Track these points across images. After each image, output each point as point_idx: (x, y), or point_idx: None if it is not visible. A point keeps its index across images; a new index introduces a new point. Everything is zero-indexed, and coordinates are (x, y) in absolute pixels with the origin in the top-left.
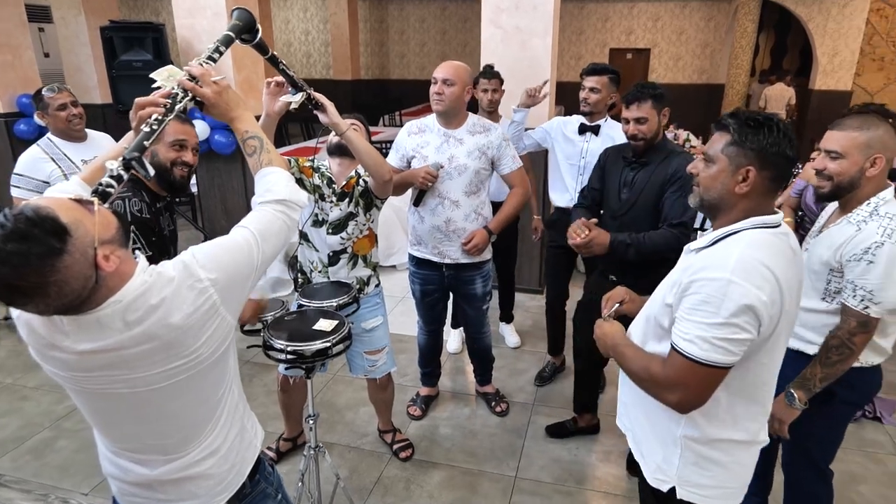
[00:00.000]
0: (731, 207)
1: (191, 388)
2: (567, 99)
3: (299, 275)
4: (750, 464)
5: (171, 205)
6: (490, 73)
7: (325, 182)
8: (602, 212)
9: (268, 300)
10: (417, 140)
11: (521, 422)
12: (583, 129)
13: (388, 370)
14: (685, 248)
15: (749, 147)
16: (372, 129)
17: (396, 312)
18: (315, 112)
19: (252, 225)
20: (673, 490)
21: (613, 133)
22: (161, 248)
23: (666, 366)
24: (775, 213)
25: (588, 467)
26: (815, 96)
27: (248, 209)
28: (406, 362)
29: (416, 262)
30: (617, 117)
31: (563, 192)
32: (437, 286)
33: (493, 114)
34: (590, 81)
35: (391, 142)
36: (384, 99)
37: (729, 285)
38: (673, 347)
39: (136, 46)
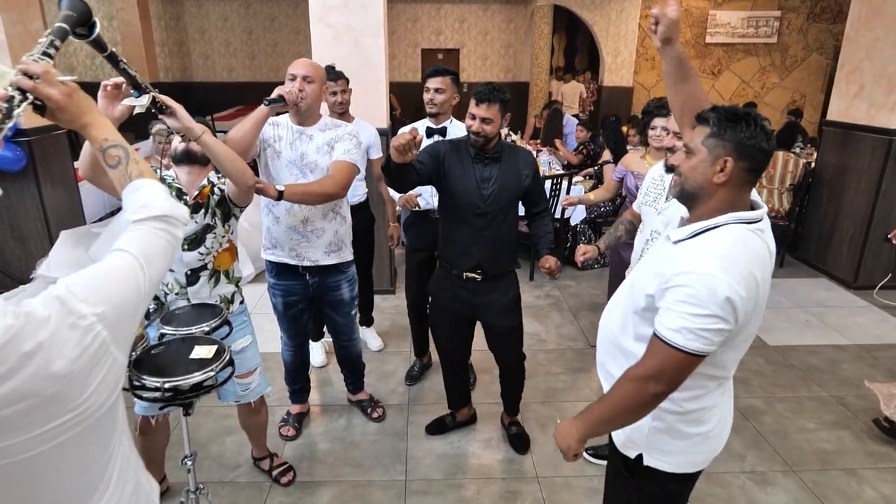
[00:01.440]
0: (708, 196)
1: (79, 447)
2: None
3: (150, 301)
4: (721, 427)
5: None
6: (335, 73)
7: (173, 193)
8: (443, 216)
9: (142, 330)
10: (272, 131)
11: (399, 424)
12: (430, 132)
13: (262, 391)
14: (662, 237)
15: (727, 139)
16: None
17: None
18: (161, 117)
19: (132, 247)
20: (640, 457)
21: (460, 133)
22: None
23: (648, 357)
24: (753, 207)
25: (472, 457)
26: (604, 91)
27: (49, 235)
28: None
29: (276, 272)
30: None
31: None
32: (300, 296)
33: (344, 115)
34: (434, 83)
35: None
36: (189, 102)
37: (713, 279)
38: (657, 337)
39: None
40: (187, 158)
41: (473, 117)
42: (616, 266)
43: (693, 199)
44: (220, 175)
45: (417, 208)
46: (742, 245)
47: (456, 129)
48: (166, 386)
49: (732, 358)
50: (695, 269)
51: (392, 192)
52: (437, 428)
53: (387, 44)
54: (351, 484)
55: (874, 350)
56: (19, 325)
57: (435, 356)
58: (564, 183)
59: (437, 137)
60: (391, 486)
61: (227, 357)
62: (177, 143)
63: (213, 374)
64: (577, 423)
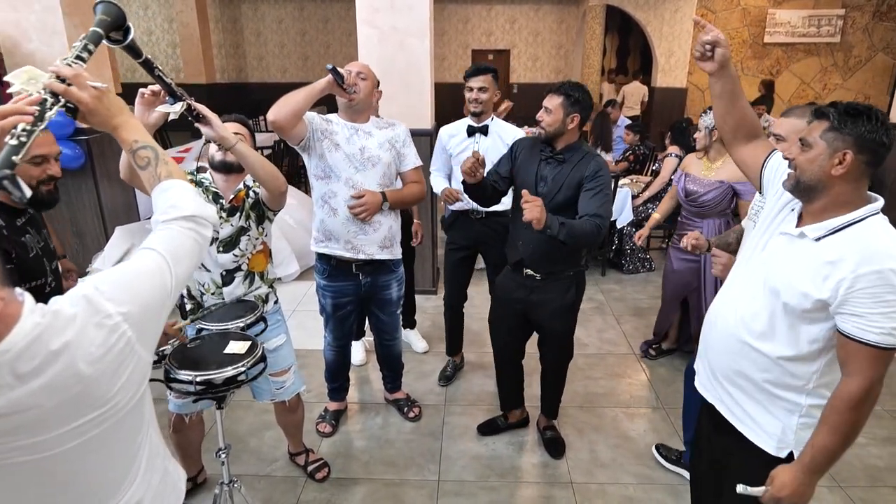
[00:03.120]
0: (826, 189)
1: (106, 442)
2: (437, 99)
3: (187, 300)
4: None
5: (34, 219)
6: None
7: (210, 197)
8: (511, 203)
9: (178, 327)
10: (326, 126)
11: (435, 424)
12: (472, 131)
13: (297, 390)
14: (793, 235)
15: (847, 133)
16: None
17: (290, 326)
18: (196, 125)
19: (160, 246)
20: (791, 454)
21: (502, 132)
22: (29, 271)
23: (863, 369)
24: (873, 198)
25: (507, 459)
26: (656, 93)
27: (105, 231)
28: (307, 378)
29: (328, 273)
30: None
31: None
32: (351, 298)
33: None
34: (477, 82)
35: (263, 148)
36: (244, 102)
37: None
38: (867, 344)
39: None
40: (224, 168)
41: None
42: (679, 278)
43: (810, 191)
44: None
45: (459, 204)
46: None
47: (498, 127)
48: (198, 379)
49: None
50: (883, 266)
51: (435, 185)
52: (489, 429)
53: (432, 45)
54: (384, 482)
55: None
56: (46, 323)
57: (468, 356)
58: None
59: (478, 136)
60: (424, 485)
61: (260, 352)
62: (213, 152)
63: (244, 369)
64: (805, 473)
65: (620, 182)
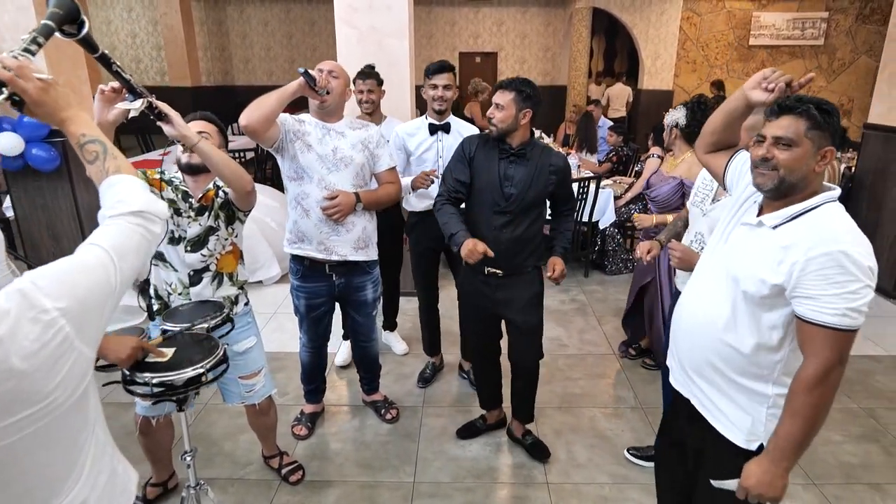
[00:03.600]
0: (806, 185)
1: (46, 439)
2: (424, 103)
3: (154, 300)
4: None
5: None
6: (364, 73)
7: (179, 195)
8: (466, 205)
9: (153, 343)
10: (298, 126)
11: (412, 426)
12: (433, 129)
13: (267, 393)
14: (752, 225)
15: (827, 130)
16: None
17: (268, 329)
18: (158, 123)
19: (104, 241)
20: (761, 446)
21: (462, 129)
22: None
23: (821, 351)
24: (830, 187)
25: (483, 461)
26: (643, 95)
27: (82, 233)
28: (285, 381)
29: (301, 274)
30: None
31: (420, 198)
32: (325, 298)
33: (373, 115)
34: (442, 79)
35: (245, 150)
36: (230, 105)
37: (854, 254)
38: (823, 326)
39: None
40: (189, 170)
41: (497, 106)
42: (639, 272)
43: (791, 190)
44: None
45: (422, 205)
46: (850, 219)
47: (458, 125)
48: (155, 381)
49: None
50: (833, 249)
51: (403, 184)
52: (468, 432)
53: (412, 45)
54: (359, 484)
55: None
56: None
57: (447, 358)
58: (592, 186)
59: (440, 134)
60: (399, 487)
61: (221, 353)
62: (179, 153)
63: (202, 371)
64: (773, 463)
65: (603, 183)
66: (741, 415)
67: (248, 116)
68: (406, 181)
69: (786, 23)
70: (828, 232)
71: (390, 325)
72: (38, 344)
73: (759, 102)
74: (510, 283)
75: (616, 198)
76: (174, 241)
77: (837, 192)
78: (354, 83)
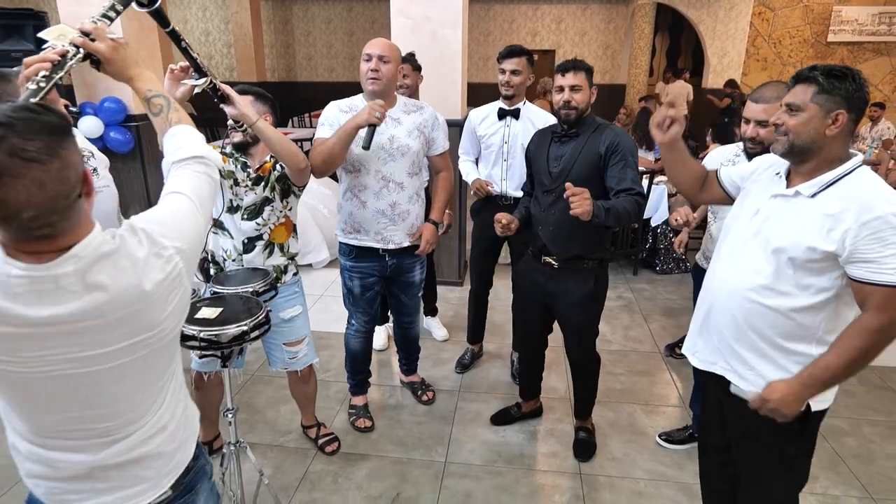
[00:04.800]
0: (820, 149)
1: (149, 364)
2: (479, 100)
3: (211, 265)
4: None
5: None
6: (403, 58)
7: (239, 166)
8: (534, 193)
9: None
10: (348, 118)
11: (447, 409)
12: (503, 114)
13: (309, 362)
14: (787, 196)
15: (837, 94)
16: (282, 130)
17: (315, 310)
18: (221, 105)
19: (186, 189)
20: (807, 407)
21: (533, 116)
22: None
23: (882, 307)
24: (854, 153)
25: (516, 447)
26: (707, 94)
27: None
28: (328, 358)
29: (355, 254)
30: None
31: (486, 180)
32: (377, 278)
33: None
34: (510, 64)
35: (301, 140)
36: (292, 101)
37: None
38: (884, 285)
39: (16, 35)
40: (238, 149)
41: (562, 89)
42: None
43: (804, 153)
44: None
45: (490, 191)
46: (882, 181)
47: (529, 112)
48: (202, 335)
49: None
50: (885, 212)
51: (463, 172)
52: (502, 418)
53: (466, 35)
54: (391, 460)
55: None
56: (117, 244)
57: (488, 346)
58: (645, 181)
59: (509, 119)
60: (430, 465)
61: (263, 315)
62: (233, 136)
63: (245, 329)
64: (802, 386)
65: (657, 179)
66: (784, 376)
67: (321, 171)
68: (468, 178)
69: (870, 17)
70: (872, 196)
71: (431, 310)
72: (162, 274)
73: (658, 141)
74: (564, 277)
75: (671, 195)
76: (232, 209)
77: (860, 157)
78: None
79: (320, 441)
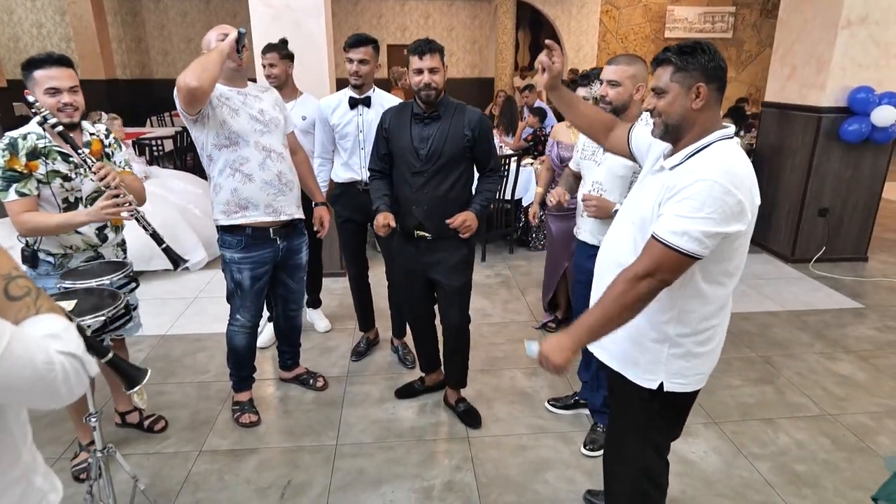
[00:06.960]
0: (692, 124)
1: None
2: None
3: (51, 257)
4: (721, 341)
5: None
6: (269, 46)
7: (62, 159)
8: (397, 173)
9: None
10: (219, 90)
11: (336, 395)
12: (354, 103)
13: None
14: (651, 168)
15: (692, 68)
16: (140, 129)
17: (190, 313)
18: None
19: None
20: (661, 385)
21: (384, 101)
22: None
23: (644, 257)
24: (725, 126)
25: (406, 422)
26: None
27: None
28: (205, 359)
29: (244, 244)
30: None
31: (345, 169)
32: (268, 266)
33: (281, 90)
34: (357, 53)
35: (164, 138)
36: (148, 99)
37: (713, 185)
38: (655, 239)
39: None
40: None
41: (420, 71)
42: (554, 259)
43: (678, 131)
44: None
45: (346, 176)
46: (735, 156)
47: (380, 98)
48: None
49: (737, 265)
50: (700, 177)
51: (320, 175)
52: (406, 392)
53: (329, 26)
54: (280, 450)
55: (804, 315)
56: None
57: (382, 333)
58: (513, 164)
59: (361, 108)
60: (320, 450)
61: (123, 303)
62: (43, 118)
63: (103, 317)
64: (568, 336)
65: (524, 162)
66: (637, 353)
67: (197, 78)
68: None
69: (697, 16)
70: (705, 164)
71: (314, 301)
72: None
73: (541, 85)
74: (438, 247)
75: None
76: (71, 205)
77: (732, 129)
78: (261, 57)
79: (147, 422)
